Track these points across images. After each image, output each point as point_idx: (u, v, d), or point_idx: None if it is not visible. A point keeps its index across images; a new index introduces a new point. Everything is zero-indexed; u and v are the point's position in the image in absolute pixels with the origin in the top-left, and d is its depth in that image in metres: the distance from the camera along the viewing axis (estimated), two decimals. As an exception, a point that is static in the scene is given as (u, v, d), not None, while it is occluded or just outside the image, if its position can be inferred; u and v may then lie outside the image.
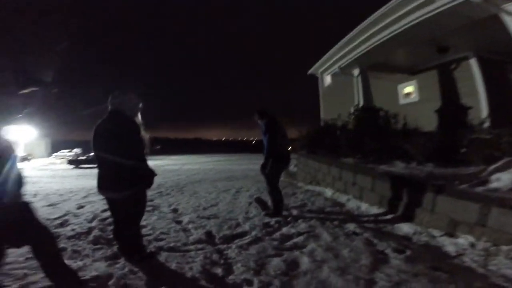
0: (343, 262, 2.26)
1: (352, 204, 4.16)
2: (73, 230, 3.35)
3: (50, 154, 24.66)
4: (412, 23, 4.87)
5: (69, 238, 3.06)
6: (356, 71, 8.03)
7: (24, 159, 21.66)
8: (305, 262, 2.29)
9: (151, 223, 3.60)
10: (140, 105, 2.48)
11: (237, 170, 13.51)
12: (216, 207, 4.35)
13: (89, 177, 11.83)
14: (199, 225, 3.45)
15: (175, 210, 4.30)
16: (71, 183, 9.16)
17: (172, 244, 2.83)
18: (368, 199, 3.97)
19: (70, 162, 17.37)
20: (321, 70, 12.08)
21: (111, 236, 2.84)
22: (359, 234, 2.93)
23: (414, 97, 8.45)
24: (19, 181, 1.85)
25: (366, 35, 6.29)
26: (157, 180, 7.47)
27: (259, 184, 6.71)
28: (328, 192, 4.90)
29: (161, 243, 2.88)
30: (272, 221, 3.42)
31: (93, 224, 3.62)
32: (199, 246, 2.79)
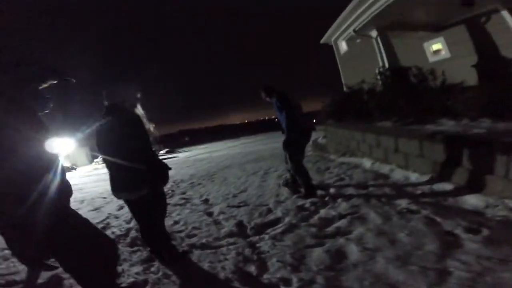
0: (402, 249, 1.84)
1: (398, 174, 3.60)
2: (113, 233, 3.31)
3: (91, 161, 26.35)
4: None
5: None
6: (373, 33, 7.39)
7: (70, 169, 23.43)
8: (353, 251, 1.92)
9: (184, 217, 3.51)
10: (139, 94, 2.19)
11: (263, 150, 13.13)
12: (246, 193, 4.08)
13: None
14: (230, 215, 3.24)
15: (206, 201, 4.14)
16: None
17: (204, 240, 2.66)
18: (416, 167, 3.38)
19: (110, 164, 18.28)
20: (334, 37, 11.44)
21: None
22: (416, 211, 2.45)
23: (445, 54, 7.62)
24: (66, 190, 1.68)
25: None
26: (189, 171, 7.49)
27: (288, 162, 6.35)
28: (366, 163, 4.35)
29: (193, 240, 2.74)
30: (307, 203, 3.05)
31: (131, 225, 3.54)
32: (231, 240, 2.57)
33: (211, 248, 2.48)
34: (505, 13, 5.65)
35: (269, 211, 3.07)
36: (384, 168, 3.92)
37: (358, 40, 10.03)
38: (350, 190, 3.31)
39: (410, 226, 2.16)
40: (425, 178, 3.19)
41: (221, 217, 3.25)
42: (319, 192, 3.31)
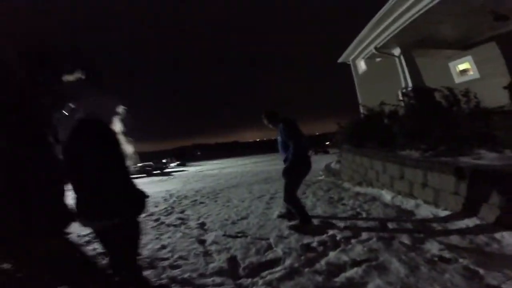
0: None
1: (425, 211, 3.01)
2: (94, 249, 3.03)
3: None
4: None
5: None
6: (396, 51, 6.98)
7: None
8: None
9: (174, 242, 3.12)
10: (120, 108, 1.83)
11: (272, 171, 12.70)
12: (247, 221, 3.59)
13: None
14: (224, 246, 2.77)
15: (202, 225, 3.70)
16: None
17: (187, 275, 2.24)
18: (448, 204, 2.81)
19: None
20: (352, 56, 11.18)
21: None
22: (450, 260, 1.92)
23: (473, 74, 7.13)
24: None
25: (405, 6, 5.25)
26: (196, 186, 7.15)
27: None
28: (387, 196, 3.78)
29: (176, 272, 2.32)
30: (315, 241, 2.53)
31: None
32: (218, 280, 2.11)
33: (192, 286, 2.06)
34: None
35: (269, 247, 2.57)
36: (408, 203, 3.33)
37: (378, 59, 9.65)
38: (367, 228, 2.74)
39: (445, 280, 1.64)
40: (460, 217, 2.61)
41: (213, 247, 2.79)
42: (330, 231, 2.76)
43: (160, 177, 16.66)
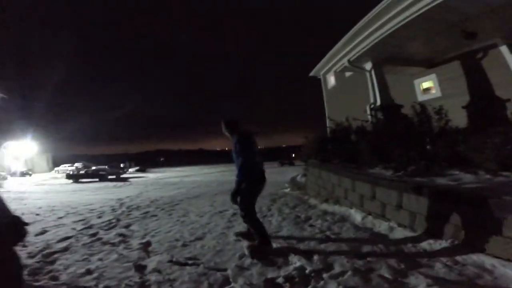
0: None
1: (400, 235, 2.70)
2: None
3: (52, 169, 23.97)
4: (433, 3, 4.00)
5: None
6: (368, 65, 6.96)
7: (24, 174, 20.90)
8: None
9: (103, 266, 2.42)
10: None
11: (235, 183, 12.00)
12: (201, 242, 2.95)
13: (83, 192, 10.82)
14: (167, 277, 2.15)
15: (146, 245, 3.00)
16: (61, 199, 8.29)
17: None
18: (427, 229, 2.53)
19: (69, 176, 16.35)
20: (323, 71, 11.30)
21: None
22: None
23: (435, 93, 7.37)
24: None
25: (381, 21, 5.25)
26: (152, 195, 6.26)
27: (264, 201, 5.36)
28: (356, 216, 3.46)
29: None
30: (280, 276, 2.02)
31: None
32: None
33: None
34: (504, 48, 5.37)
35: (226, 282, 2.00)
36: (381, 226, 3.02)
37: (348, 74, 9.78)
38: (340, 258, 2.34)
39: None
40: (441, 243, 2.32)
41: (153, 277, 2.15)
42: (297, 261, 2.30)
43: (115, 183, 15.07)
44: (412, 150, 3.53)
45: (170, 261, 2.47)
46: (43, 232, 3.83)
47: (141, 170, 25.11)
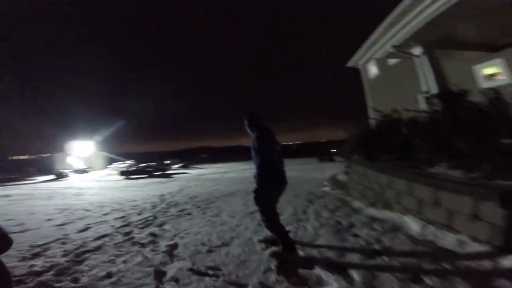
0: None
1: (472, 250, 2.07)
2: (32, 266, 2.44)
3: (107, 166, 26.52)
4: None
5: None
6: (416, 50, 6.05)
7: (84, 171, 23.52)
8: None
9: (125, 270, 2.33)
10: None
11: None
12: (227, 249, 2.67)
13: (131, 188, 11.58)
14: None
15: (173, 247, 2.85)
16: (111, 195, 8.88)
17: None
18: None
19: (121, 173, 17.82)
20: (363, 60, 10.32)
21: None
22: None
23: (505, 79, 6.09)
24: None
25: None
26: (192, 191, 6.25)
27: (299, 201, 4.90)
28: (413, 226, 2.81)
29: None
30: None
31: (62, 259, 2.64)
32: None
33: None
34: None
35: (244, 303, 1.68)
36: (447, 239, 2.36)
37: (391, 63, 8.80)
38: (392, 279, 1.81)
39: None
40: None
41: (169, 287, 1.93)
42: (333, 279, 1.84)
43: (160, 179, 15.93)
44: (485, 145, 2.74)
45: (191, 269, 2.24)
46: (86, 229, 4.00)
47: (185, 166, 26.34)
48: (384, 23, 6.16)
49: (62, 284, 2.09)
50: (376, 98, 10.58)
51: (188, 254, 2.59)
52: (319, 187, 7.17)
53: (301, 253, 2.44)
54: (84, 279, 2.15)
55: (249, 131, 2.60)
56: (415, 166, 3.65)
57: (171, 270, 2.25)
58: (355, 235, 2.81)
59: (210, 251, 2.65)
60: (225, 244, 2.81)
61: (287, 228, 3.15)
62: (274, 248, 2.51)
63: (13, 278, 2.15)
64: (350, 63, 11.36)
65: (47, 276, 2.23)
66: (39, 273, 2.28)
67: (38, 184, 14.91)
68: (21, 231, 3.92)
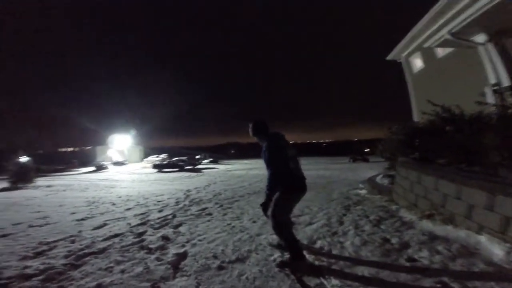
0: None
1: None
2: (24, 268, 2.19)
3: (142, 159, 27.77)
4: None
5: None
6: (480, 37, 5.15)
7: (121, 163, 24.80)
8: None
9: (117, 283, 1.95)
10: None
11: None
12: (241, 267, 2.14)
13: (161, 182, 11.72)
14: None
15: (181, 257, 2.43)
16: (141, 189, 8.95)
17: None
18: None
19: (154, 166, 18.37)
20: (406, 52, 9.35)
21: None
22: None
23: None
24: None
25: None
26: (217, 188, 5.56)
27: (332, 207, 4.23)
28: (494, 249, 1.98)
29: None
30: None
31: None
32: None
33: None
34: None
35: None
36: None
37: (442, 53, 7.59)
38: None
39: None
40: None
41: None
42: None
43: (190, 173, 16.09)
44: None
45: (196, 290, 1.76)
46: (102, 225, 3.81)
47: (214, 161, 26.60)
48: (435, 8, 5.22)
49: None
50: (423, 94, 9.36)
51: (195, 270, 2.13)
52: (353, 189, 6.37)
53: (336, 282, 1.83)
54: (70, 291, 1.80)
55: (258, 140, 2.41)
56: (492, 174, 2.79)
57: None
58: (412, 260, 2.09)
59: (221, 267, 2.15)
60: (240, 260, 2.29)
61: (317, 244, 2.56)
62: (284, 257, 2.27)
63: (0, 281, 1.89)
64: (391, 56, 10.35)
65: (34, 281, 1.94)
66: (27, 277, 2.01)
67: (79, 175, 15.91)
68: (41, 225, 3.83)
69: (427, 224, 2.91)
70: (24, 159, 10.22)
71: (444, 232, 2.64)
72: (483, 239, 2.29)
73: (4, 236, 3.26)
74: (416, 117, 9.30)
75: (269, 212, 2.21)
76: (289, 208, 2.27)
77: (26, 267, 2.20)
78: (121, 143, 28.15)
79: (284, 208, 2.21)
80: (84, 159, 25.11)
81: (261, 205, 2.24)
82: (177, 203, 5.82)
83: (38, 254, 2.56)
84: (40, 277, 2.00)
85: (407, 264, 2.02)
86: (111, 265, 2.27)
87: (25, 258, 2.46)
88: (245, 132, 2.52)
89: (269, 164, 2.16)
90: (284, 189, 2.15)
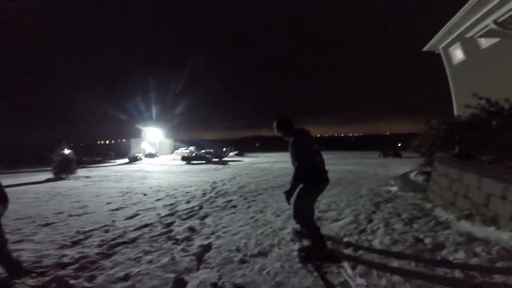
0: None
1: None
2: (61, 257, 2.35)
3: (173, 152, 29.04)
4: None
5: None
6: None
7: (153, 155, 26.17)
8: None
9: (143, 274, 2.04)
10: None
11: (330, 172, 10.40)
12: (263, 261, 2.14)
13: (189, 173, 12.16)
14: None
15: (205, 249, 2.50)
16: (170, 180, 9.42)
17: None
18: None
19: (183, 158, 19.13)
20: (444, 43, 8.69)
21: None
22: None
23: None
24: None
25: None
26: (242, 180, 5.99)
27: (361, 203, 4.06)
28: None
29: None
30: None
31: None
32: None
33: None
34: None
35: None
36: None
37: (485, 45, 6.86)
38: None
39: None
40: None
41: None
42: None
43: (216, 166, 16.50)
44: None
45: (215, 284, 1.80)
46: (134, 215, 4.02)
47: (240, 154, 27.04)
48: None
49: (76, 281, 1.91)
50: (465, 86, 8.56)
51: (218, 262, 2.17)
52: (384, 186, 6.06)
53: (362, 281, 1.75)
54: (99, 279, 1.94)
55: (284, 136, 2.51)
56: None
57: (192, 281, 1.86)
58: (446, 262, 1.93)
59: (243, 261, 2.17)
60: (262, 254, 2.30)
61: (344, 241, 2.47)
62: (303, 243, 2.45)
63: (38, 270, 2.08)
64: (428, 47, 9.65)
65: (69, 270, 2.10)
66: (63, 266, 2.17)
67: (114, 166, 17.08)
68: (79, 215, 4.16)
69: (465, 225, 2.67)
70: (67, 151, 11.10)
71: (484, 233, 2.40)
72: (533, 244, 2.05)
73: (47, 225, 3.57)
74: (457, 111, 8.57)
75: (292, 203, 2.31)
76: (311, 198, 2.35)
77: (63, 255, 2.39)
78: (153, 136, 29.78)
79: (307, 199, 2.30)
80: (119, 151, 26.95)
81: (285, 192, 2.28)
82: (204, 194, 6.00)
83: (74, 243, 2.75)
84: (75, 266, 2.16)
85: (443, 266, 1.86)
86: (140, 255, 2.39)
87: (63, 247, 2.66)
88: (270, 127, 2.55)
89: (296, 159, 2.23)
90: (308, 181, 2.26)
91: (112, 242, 2.74)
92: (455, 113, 8.36)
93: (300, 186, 2.27)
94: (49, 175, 10.66)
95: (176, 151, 27.31)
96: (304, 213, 2.30)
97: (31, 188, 8.03)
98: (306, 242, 2.44)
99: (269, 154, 28.60)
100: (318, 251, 2.18)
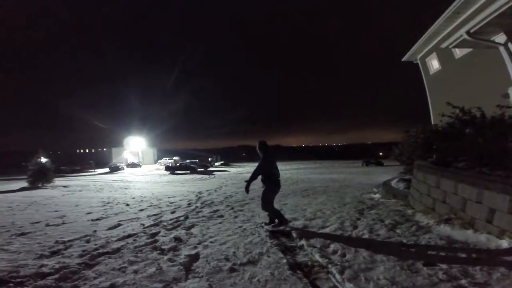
0: None
1: None
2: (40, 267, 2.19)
3: (156, 161, 28.39)
4: None
5: None
6: (500, 38, 4.88)
7: (136, 165, 25.44)
8: None
9: (130, 283, 1.96)
10: None
11: (316, 181, 11.04)
12: (252, 269, 2.11)
13: (174, 183, 11.91)
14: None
15: (193, 259, 2.45)
16: (154, 190, 9.21)
17: None
18: None
19: (167, 168, 18.70)
20: (421, 53, 9.31)
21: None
22: None
23: None
24: None
25: None
26: (229, 190, 5.38)
27: (345, 210, 4.15)
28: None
29: None
30: None
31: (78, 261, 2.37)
32: None
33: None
34: None
35: None
36: None
37: (459, 55, 7.35)
38: None
39: None
40: None
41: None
42: None
43: (202, 176, 16.26)
44: None
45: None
46: (116, 226, 3.89)
47: (225, 164, 26.81)
48: (452, 7, 5.04)
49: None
50: (441, 96, 9.08)
51: (207, 271, 2.13)
52: (367, 193, 6.24)
53: (350, 285, 1.78)
54: (82, 289, 1.84)
55: (259, 153, 3.66)
56: (509, 177, 2.66)
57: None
58: (430, 264, 2.01)
59: (232, 269, 2.14)
60: (251, 262, 2.28)
61: (330, 248, 2.51)
62: (270, 226, 3.47)
63: (16, 280, 1.95)
64: (406, 57, 10.15)
65: (49, 280, 1.98)
66: (43, 276, 2.06)
67: (95, 176, 16.39)
68: (57, 224, 3.96)
69: (445, 229, 2.80)
70: (43, 159, 10.63)
71: (463, 236, 2.53)
72: (505, 243, 2.20)
73: (22, 234, 3.38)
74: (434, 119, 9.01)
75: (261, 200, 3.58)
76: (271, 195, 3.57)
77: (42, 265, 2.27)
78: (135, 145, 29.03)
79: (269, 195, 3.53)
80: (100, 161, 25.96)
81: (246, 181, 3.46)
82: (189, 204, 5.89)
83: (54, 253, 2.62)
84: (55, 276, 2.05)
85: (426, 271, 1.94)
86: (125, 265, 2.31)
87: (41, 257, 2.53)
88: (256, 137, 2.69)
89: (258, 167, 3.48)
90: (269, 184, 3.51)
91: (95, 252, 2.62)
92: (432, 121, 8.77)
93: (264, 188, 3.52)
94: (24, 184, 10.10)
95: (159, 161, 26.68)
96: (268, 203, 3.51)
97: (4, 197, 7.56)
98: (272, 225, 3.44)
99: (256, 164, 28.67)
100: (284, 224, 3.39)
